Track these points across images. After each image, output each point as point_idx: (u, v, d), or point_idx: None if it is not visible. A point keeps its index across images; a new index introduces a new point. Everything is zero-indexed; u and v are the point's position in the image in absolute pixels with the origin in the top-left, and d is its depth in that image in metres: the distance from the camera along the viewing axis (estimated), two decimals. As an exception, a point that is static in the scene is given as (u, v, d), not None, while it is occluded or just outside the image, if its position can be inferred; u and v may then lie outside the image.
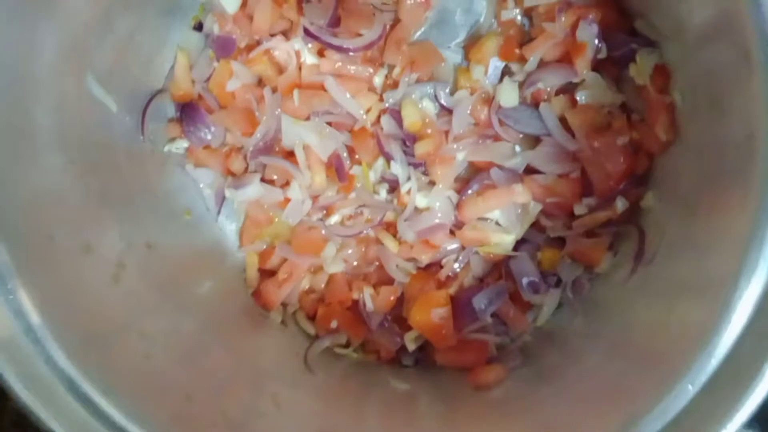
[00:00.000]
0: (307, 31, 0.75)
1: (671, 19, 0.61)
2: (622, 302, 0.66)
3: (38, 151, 0.59)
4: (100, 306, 0.62)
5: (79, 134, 0.66)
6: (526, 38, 0.77)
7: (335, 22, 0.74)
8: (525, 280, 0.75)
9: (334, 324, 0.81)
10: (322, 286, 0.82)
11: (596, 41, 0.69)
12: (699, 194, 0.58)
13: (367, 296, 0.80)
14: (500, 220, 0.77)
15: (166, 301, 0.71)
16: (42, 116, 0.60)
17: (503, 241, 0.75)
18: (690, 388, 0.49)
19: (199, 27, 0.81)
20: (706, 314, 0.49)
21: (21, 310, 0.54)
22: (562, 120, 0.74)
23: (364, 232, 0.81)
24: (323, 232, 0.81)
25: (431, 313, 0.75)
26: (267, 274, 0.84)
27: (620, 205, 0.70)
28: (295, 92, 0.76)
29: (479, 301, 0.74)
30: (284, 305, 0.84)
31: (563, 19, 0.70)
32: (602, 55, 0.70)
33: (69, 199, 0.64)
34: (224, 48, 0.78)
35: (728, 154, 0.52)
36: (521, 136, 0.77)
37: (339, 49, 0.75)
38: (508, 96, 0.75)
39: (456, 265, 0.79)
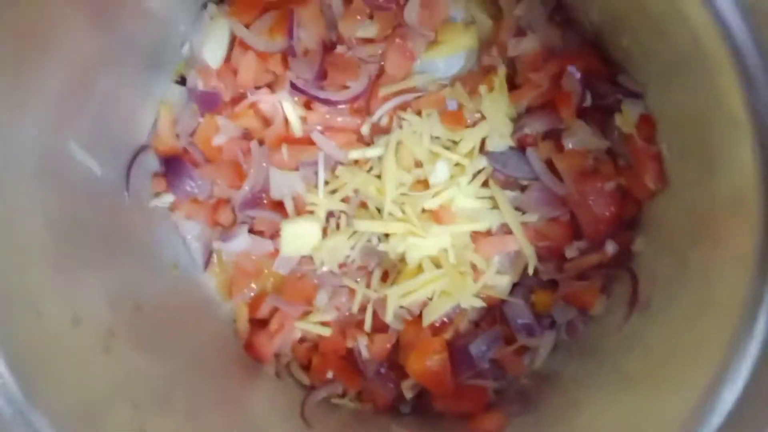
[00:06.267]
0: (293, 86, 0.74)
1: (653, 76, 0.62)
2: (619, 349, 0.65)
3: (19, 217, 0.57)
4: (91, 379, 0.60)
5: (61, 197, 0.64)
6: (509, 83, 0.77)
7: (322, 76, 0.74)
8: (519, 323, 0.76)
9: (329, 374, 0.81)
10: (315, 334, 0.81)
11: (581, 90, 0.70)
12: (691, 247, 0.58)
13: (362, 345, 0.79)
14: (495, 264, 0.77)
15: (157, 365, 0.69)
16: (23, 180, 0.58)
17: (499, 283, 0.75)
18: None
19: (181, 81, 0.80)
20: (703, 374, 0.48)
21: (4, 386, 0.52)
22: (550, 164, 0.74)
23: (357, 280, 0.80)
24: (314, 280, 0.81)
25: (428, 361, 0.75)
26: (258, 324, 0.83)
27: (610, 248, 0.71)
28: (284, 147, 0.75)
29: (476, 348, 0.74)
30: (277, 356, 0.83)
31: (547, 69, 0.71)
32: (587, 103, 0.71)
33: (54, 267, 0.62)
34: (209, 103, 0.77)
35: (719, 213, 0.52)
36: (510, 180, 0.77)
37: (326, 102, 0.75)
38: (496, 141, 0.76)
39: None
